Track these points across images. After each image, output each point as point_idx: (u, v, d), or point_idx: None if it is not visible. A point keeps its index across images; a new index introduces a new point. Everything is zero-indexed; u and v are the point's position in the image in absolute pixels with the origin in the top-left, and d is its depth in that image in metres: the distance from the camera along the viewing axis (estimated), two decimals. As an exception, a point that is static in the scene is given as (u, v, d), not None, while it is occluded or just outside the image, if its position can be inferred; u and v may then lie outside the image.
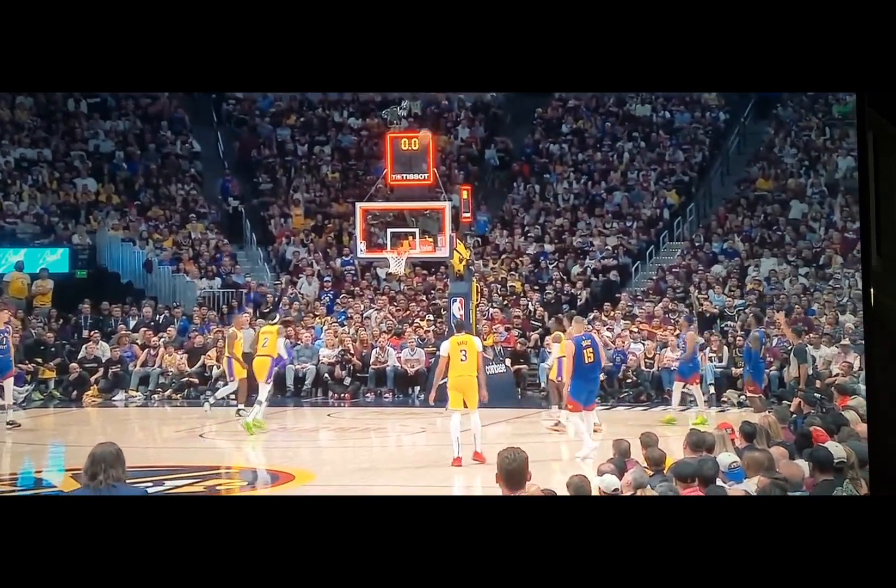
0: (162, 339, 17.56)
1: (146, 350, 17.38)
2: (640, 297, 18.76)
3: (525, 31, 3.95)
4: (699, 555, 3.67)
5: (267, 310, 18.14)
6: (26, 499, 4.24)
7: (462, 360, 10.13)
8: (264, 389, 13.22)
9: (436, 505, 4.18)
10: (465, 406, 10.21)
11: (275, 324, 13.96)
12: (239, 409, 14.44)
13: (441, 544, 3.80)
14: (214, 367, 17.11)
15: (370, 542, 3.84)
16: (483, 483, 9.30)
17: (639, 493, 5.52)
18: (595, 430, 12.68)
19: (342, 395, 16.74)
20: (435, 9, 3.94)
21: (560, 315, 16.33)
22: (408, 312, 18.58)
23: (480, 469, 9.72)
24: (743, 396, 14.86)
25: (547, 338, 14.97)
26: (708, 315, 17.45)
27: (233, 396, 14.94)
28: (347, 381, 16.91)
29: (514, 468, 4.20)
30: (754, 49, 3.80)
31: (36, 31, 4.00)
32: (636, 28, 3.86)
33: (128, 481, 4.41)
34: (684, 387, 13.92)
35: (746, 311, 16.90)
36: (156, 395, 16.84)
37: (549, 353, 14.49)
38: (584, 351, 10.57)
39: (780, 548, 3.63)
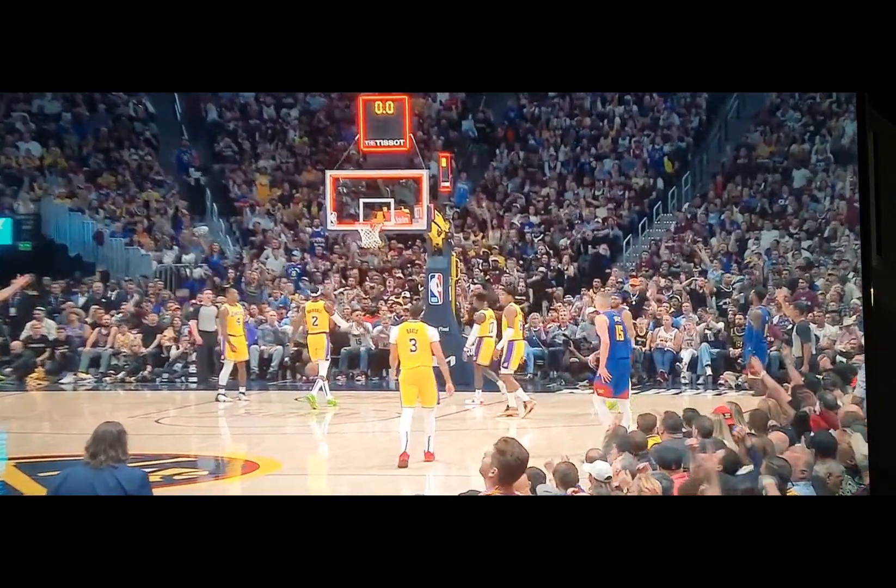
0: (114, 318, 17.36)
1: (97, 329, 17.14)
2: (632, 273, 18.72)
3: (522, 29, 4.12)
4: (697, 555, 3.78)
5: (227, 285, 17.96)
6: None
7: (412, 350, 9.50)
8: (324, 366, 13.71)
9: (418, 505, 4.27)
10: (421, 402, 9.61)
11: (318, 300, 14.12)
12: (218, 394, 14.33)
13: (428, 545, 3.87)
14: (172, 347, 16.95)
15: (347, 543, 3.91)
16: (458, 472, 9.23)
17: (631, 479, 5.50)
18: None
19: (311, 377, 16.62)
20: (427, 8, 4.14)
21: (483, 291, 16.17)
22: (383, 289, 18.45)
23: (449, 463, 9.64)
24: (741, 378, 14.88)
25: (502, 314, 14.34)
26: (701, 291, 17.41)
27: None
28: (317, 362, 16.76)
29: (516, 465, 4.08)
30: (754, 49, 3.97)
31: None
32: (636, 28, 4.03)
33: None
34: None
35: (744, 282, 16.88)
36: (108, 378, 16.65)
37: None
38: (616, 327, 10.28)
39: (779, 547, 3.75)
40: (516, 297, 17.55)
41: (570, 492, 5.47)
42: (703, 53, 4.01)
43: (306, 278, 18.82)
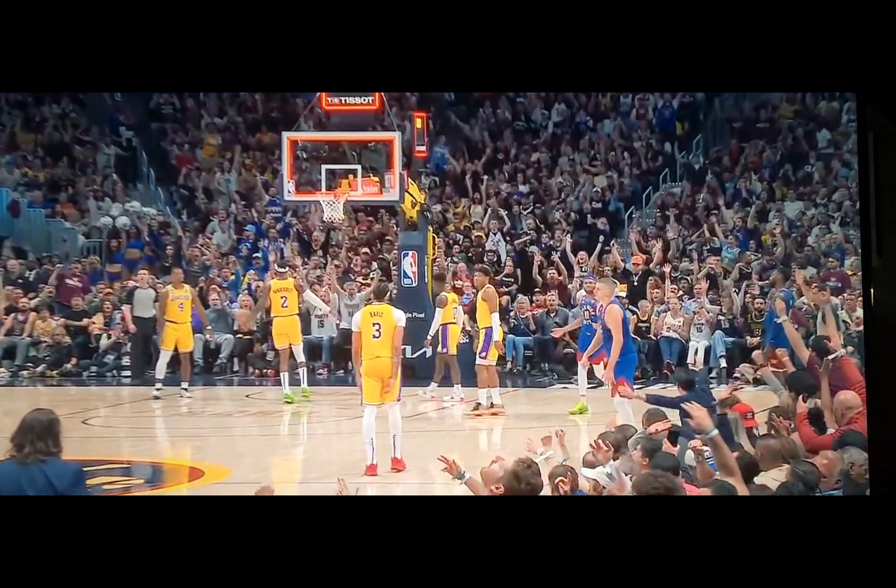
0: (33, 301, 17.19)
1: (12, 315, 17.02)
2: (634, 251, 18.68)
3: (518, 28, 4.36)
4: (696, 555, 4.06)
5: (168, 263, 17.82)
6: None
7: (374, 336, 9.30)
8: (298, 350, 14.18)
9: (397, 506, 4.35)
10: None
11: (285, 277, 14.23)
12: (155, 391, 14.24)
13: (421, 547, 4.01)
14: (104, 336, 16.82)
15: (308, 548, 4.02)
16: (435, 480, 9.16)
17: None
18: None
19: (264, 371, 16.53)
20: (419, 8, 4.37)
21: (443, 272, 16.18)
22: (349, 267, 18.37)
23: (424, 472, 9.55)
24: (759, 371, 14.87)
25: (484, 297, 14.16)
26: (713, 271, 17.40)
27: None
28: (271, 354, 16.65)
29: (525, 492, 4.32)
30: (754, 49, 4.37)
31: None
32: (637, 27, 4.36)
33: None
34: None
35: (763, 261, 16.86)
36: (25, 372, 16.54)
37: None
38: (626, 316, 10.40)
39: (779, 548, 4.08)
40: (504, 279, 17.54)
41: (556, 481, 5.58)
42: (702, 53, 4.38)
43: (258, 256, 18.69)
